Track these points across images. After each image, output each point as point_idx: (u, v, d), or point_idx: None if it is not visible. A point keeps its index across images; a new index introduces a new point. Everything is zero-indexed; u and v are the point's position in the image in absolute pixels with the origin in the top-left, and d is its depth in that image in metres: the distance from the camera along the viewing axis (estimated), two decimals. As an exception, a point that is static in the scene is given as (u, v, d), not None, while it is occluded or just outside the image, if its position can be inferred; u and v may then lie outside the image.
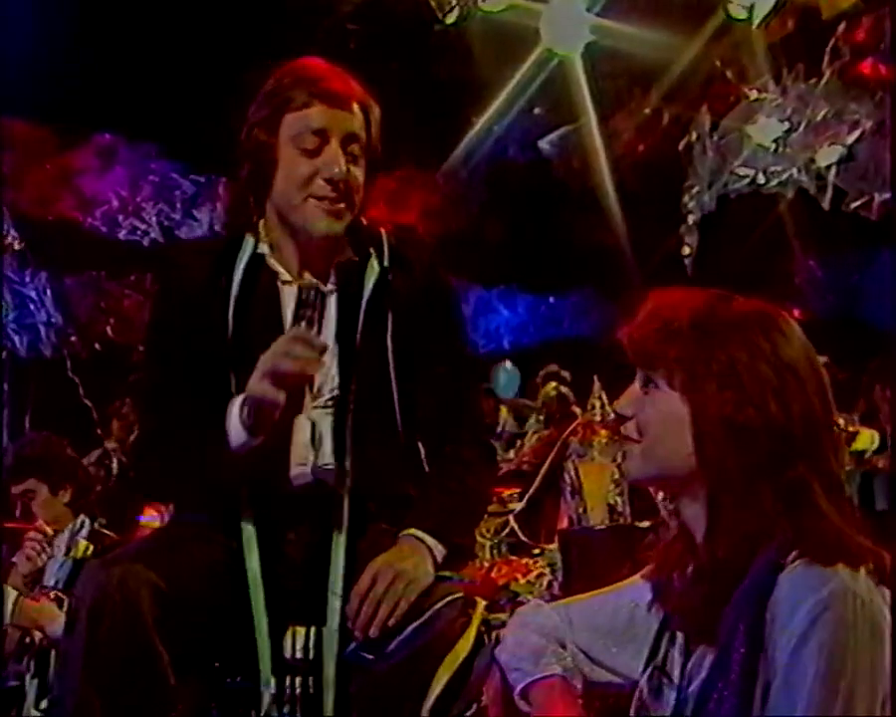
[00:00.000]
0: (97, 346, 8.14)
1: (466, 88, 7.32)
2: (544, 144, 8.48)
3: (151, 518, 3.31)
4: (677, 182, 7.69)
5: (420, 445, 1.87)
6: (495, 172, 8.56)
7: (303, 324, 1.69)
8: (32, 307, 8.09)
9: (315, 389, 1.80)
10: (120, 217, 8.07)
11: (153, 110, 6.83)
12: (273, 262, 1.88)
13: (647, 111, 7.80)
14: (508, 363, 9.12)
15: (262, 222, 1.91)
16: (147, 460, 1.87)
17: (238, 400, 1.73)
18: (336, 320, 1.84)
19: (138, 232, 8.16)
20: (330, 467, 1.81)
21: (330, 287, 1.86)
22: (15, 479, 3.29)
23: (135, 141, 7.87)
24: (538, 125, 8.22)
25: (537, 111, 8.04)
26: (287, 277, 1.87)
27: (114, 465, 4.96)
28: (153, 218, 8.14)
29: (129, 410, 5.89)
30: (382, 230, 1.93)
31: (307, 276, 1.80)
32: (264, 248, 1.89)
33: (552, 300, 10.09)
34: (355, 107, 1.85)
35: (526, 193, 8.59)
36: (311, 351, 1.68)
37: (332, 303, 1.84)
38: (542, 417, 6.83)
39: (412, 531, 1.77)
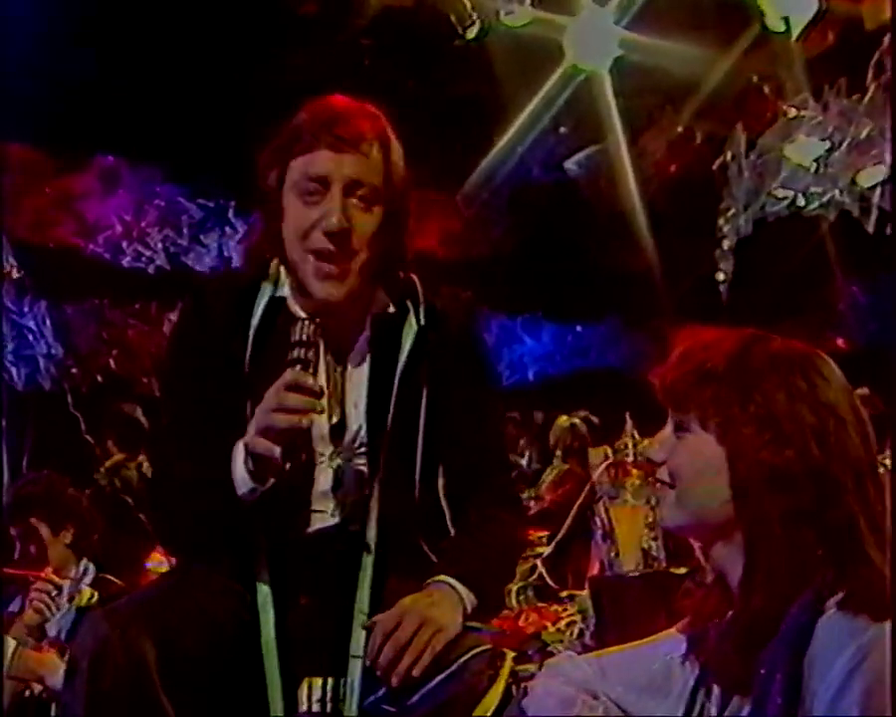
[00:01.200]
0: (99, 378, 8.17)
1: (487, 106, 7.36)
2: (569, 165, 8.51)
3: (158, 564, 3.33)
4: (711, 205, 7.71)
5: (445, 502, 1.90)
6: (518, 195, 8.59)
7: (297, 366, 1.69)
8: (30, 337, 8.10)
9: (328, 435, 1.84)
10: (124, 243, 8.10)
11: (158, 130, 6.86)
12: (294, 306, 1.90)
13: (679, 129, 7.84)
14: None
15: (282, 269, 1.93)
16: (163, 506, 1.89)
17: (241, 446, 1.75)
18: (368, 374, 1.87)
19: (143, 259, 8.19)
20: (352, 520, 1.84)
21: (363, 340, 1.90)
22: (14, 518, 3.33)
23: (139, 164, 7.90)
24: (563, 145, 8.24)
25: (562, 130, 8.07)
26: (302, 315, 1.87)
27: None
28: (159, 244, 8.18)
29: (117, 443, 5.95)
30: (417, 282, 1.95)
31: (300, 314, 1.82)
32: (285, 291, 1.92)
33: (578, 329, 10.09)
34: (369, 147, 1.84)
35: (550, 216, 8.61)
36: (306, 399, 1.69)
37: (366, 357, 1.88)
38: (559, 452, 6.87)
39: (443, 578, 1.79)
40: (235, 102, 6.62)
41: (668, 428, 1.50)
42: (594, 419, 6.54)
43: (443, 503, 1.89)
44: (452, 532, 1.89)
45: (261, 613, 1.78)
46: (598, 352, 10.13)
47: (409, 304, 1.92)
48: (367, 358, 1.88)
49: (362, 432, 1.86)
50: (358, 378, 1.88)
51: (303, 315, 1.87)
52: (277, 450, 1.67)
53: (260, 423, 1.70)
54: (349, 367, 1.90)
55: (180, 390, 1.89)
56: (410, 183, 1.93)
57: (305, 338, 1.71)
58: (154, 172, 8.13)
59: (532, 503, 5.79)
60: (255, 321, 1.87)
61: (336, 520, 1.86)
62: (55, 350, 8.36)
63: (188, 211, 8.37)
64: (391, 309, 1.92)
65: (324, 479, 1.86)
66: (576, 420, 6.72)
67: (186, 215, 8.39)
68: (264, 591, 1.79)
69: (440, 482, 1.87)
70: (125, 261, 8.42)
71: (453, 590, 1.77)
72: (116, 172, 8.10)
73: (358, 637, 1.75)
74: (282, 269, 1.92)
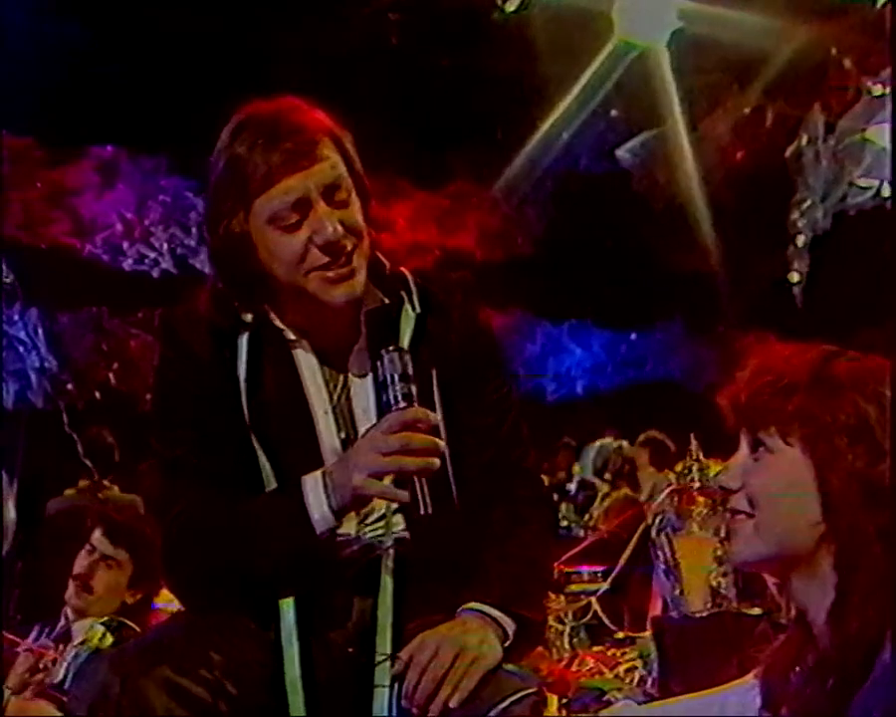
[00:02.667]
0: (97, 394, 8.27)
1: (529, 87, 7.38)
2: (622, 153, 8.52)
3: (166, 604, 3.35)
4: (783, 196, 7.69)
5: (461, 501, 1.90)
6: (564, 187, 8.60)
7: (404, 403, 1.73)
8: (21, 349, 8.20)
9: (340, 450, 1.87)
10: (125, 244, 8.19)
11: (162, 115, 6.93)
12: (278, 322, 1.93)
13: (746, 110, 7.83)
14: None
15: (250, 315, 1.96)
16: (181, 556, 1.87)
17: (314, 481, 1.79)
18: (372, 374, 1.89)
19: (146, 261, 8.28)
20: (381, 536, 1.87)
21: (360, 341, 1.92)
22: (108, 537, 3.36)
23: (141, 154, 8.00)
24: (614, 131, 8.25)
25: (613, 113, 8.09)
26: (291, 336, 1.92)
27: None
28: (164, 245, 8.26)
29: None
30: (406, 271, 2.00)
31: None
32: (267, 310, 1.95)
33: (633, 336, 10.08)
34: (324, 150, 1.86)
35: (600, 211, 8.61)
36: (431, 439, 1.73)
37: (367, 358, 1.89)
38: (607, 476, 6.88)
39: (474, 605, 1.81)
40: (249, 81, 6.66)
41: (742, 452, 1.52)
42: (664, 439, 6.54)
43: (457, 502, 1.90)
44: (474, 539, 1.90)
45: (285, 648, 1.82)
46: (656, 362, 10.11)
47: (403, 294, 1.95)
48: (368, 359, 1.90)
49: None
50: (362, 382, 1.91)
51: (285, 328, 1.91)
52: (405, 495, 1.72)
53: (376, 465, 1.74)
54: (351, 374, 1.93)
55: (178, 436, 1.90)
56: (362, 162, 1.95)
57: (403, 370, 1.75)
58: (159, 163, 8.21)
59: (582, 533, 5.80)
60: (243, 347, 1.89)
61: (363, 542, 1.91)
62: (48, 363, 8.44)
63: (197, 207, 8.44)
64: (385, 301, 1.96)
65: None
66: (624, 442, 6.74)
67: (195, 211, 8.46)
68: (288, 625, 1.84)
69: (455, 477, 1.88)
70: (127, 264, 8.51)
71: (487, 616, 1.79)
72: (116, 164, 8.18)
73: (384, 667, 1.77)
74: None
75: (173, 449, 1.90)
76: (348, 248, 1.87)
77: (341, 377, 1.93)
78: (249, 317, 1.93)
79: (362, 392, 1.91)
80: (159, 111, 6.82)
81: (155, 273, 8.34)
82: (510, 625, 1.80)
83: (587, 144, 8.38)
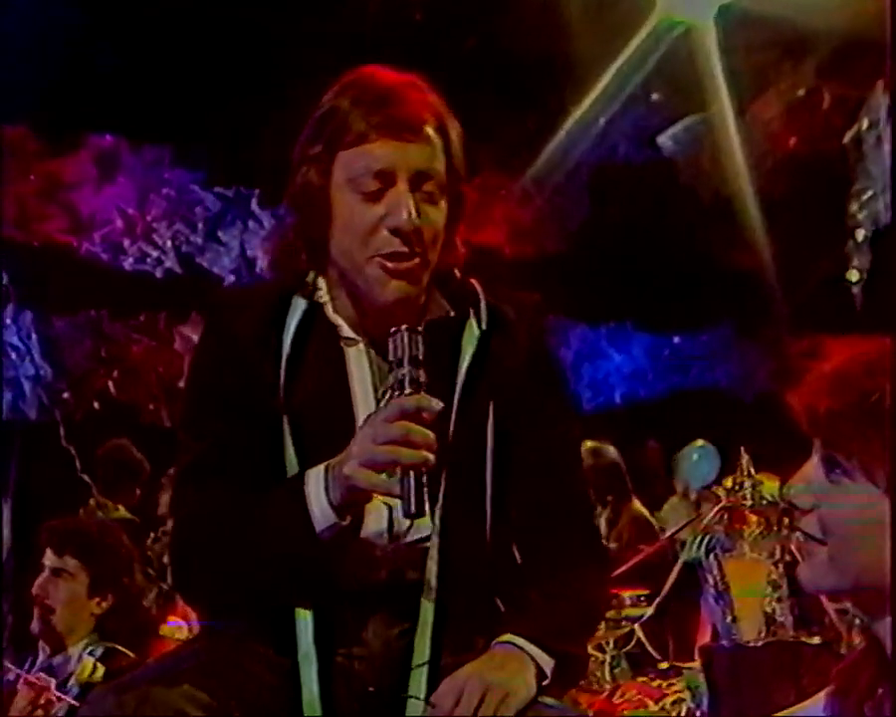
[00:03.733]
0: (95, 404, 8.27)
1: (561, 68, 7.36)
2: (664, 140, 8.49)
3: (175, 623, 3.38)
4: (841, 186, 7.65)
5: (516, 545, 1.93)
6: (601, 177, 8.57)
7: (410, 389, 1.72)
8: (14, 356, 8.19)
9: None
10: (126, 242, 8.20)
11: (166, 102, 6.94)
12: (334, 316, 1.96)
13: (800, 92, 7.79)
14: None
15: (320, 279, 1.99)
16: (189, 555, 1.91)
17: (317, 475, 1.79)
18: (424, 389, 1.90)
19: (149, 260, 8.28)
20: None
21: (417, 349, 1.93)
22: (52, 548, 3.37)
23: (144, 144, 8.02)
24: (656, 116, 8.22)
25: (654, 96, 8.07)
26: (350, 334, 1.94)
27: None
28: (168, 242, 8.27)
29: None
30: (477, 284, 2.00)
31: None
32: (323, 296, 1.97)
33: (676, 340, 10.03)
34: (429, 132, 1.89)
35: (641, 203, 8.57)
36: (428, 432, 1.72)
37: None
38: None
39: (508, 637, 1.80)
40: (260, 65, 6.65)
41: (815, 464, 1.48)
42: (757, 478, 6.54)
43: (513, 546, 1.92)
44: (524, 579, 1.91)
45: (302, 672, 1.81)
46: (702, 368, 10.06)
47: (469, 307, 1.96)
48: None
49: None
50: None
51: (342, 324, 1.94)
52: (396, 487, 1.71)
53: (369, 455, 1.73)
54: None
55: (207, 426, 1.92)
56: (468, 168, 1.98)
57: (414, 353, 1.74)
58: (162, 154, 8.23)
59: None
60: (288, 338, 1.91)
61: (393, 557, 1.88)
62: (43, 371, 8.44)
63: (203, 202, 8.50)
64: (450, 313, 1.98)
65: (375, 518, 1.88)
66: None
67: (201, 206, 8.50)
68: (307, 643, 1.83)
69: (507, 520, 1.90)
70: (128, 263, 8.53)
71: (521, 650, 1.78)
72: (116, 155, 8.21)
73: (414, 705, 1.78)
74: (320, 280, 1.98)
75: (200, 441, 1.91)
76: (417, 245, 1.88)
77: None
78: (303, 303, 1.94)
79: None
80: (162, 97, 6.83)
81: (158, 273, 8.34)
82: (547, 663, 1.79)
83: (626, 131, 8.35)
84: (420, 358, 1.74)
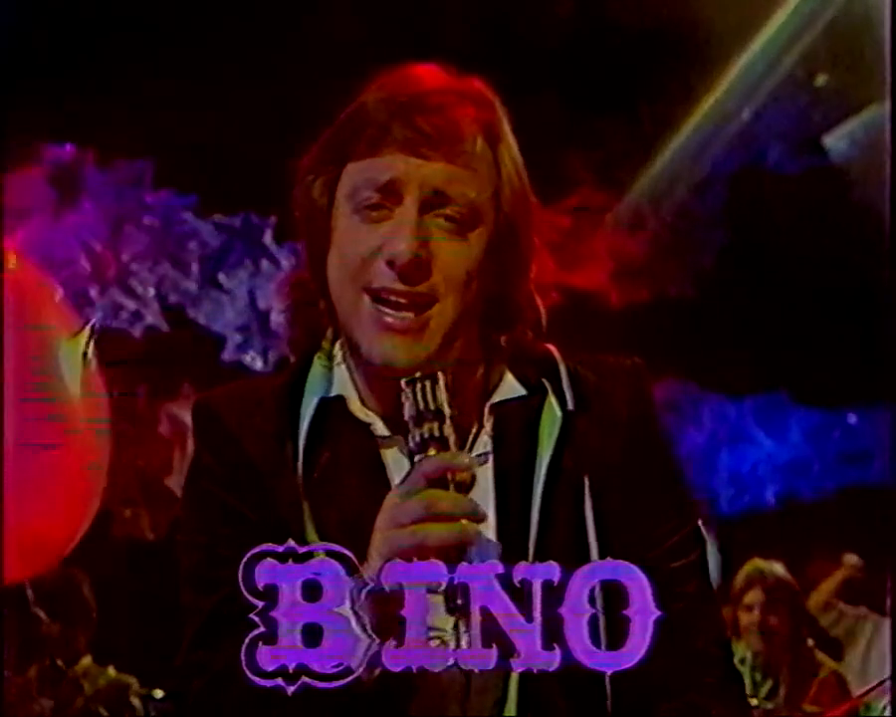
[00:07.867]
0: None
1: (687, 44, 7.41)
2: (833, 141, 8.43)
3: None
4: None
5: None
6: (743, 192, 8.58)
7: (432, 448, 1.83)
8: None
9: None
10: (93, 289, 8.34)
11: (146, 103, 7.11)
12: (362, 411, 2.07)
13: None
14: None
15: (338, 344, 2.09)
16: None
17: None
18: (494, 489, 1.99)
19: (124, 314, 8.41)
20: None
21: (481, 436, 2.02)
22: None
23: (116, 158, 8.18)
24: (821, 108, 8.24)
25: (820, 80, 8.06)
26: (384, 432, 2.04)
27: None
28: (150, 290, 8.37)
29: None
30: (555, 351, 2.09)
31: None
32: (345, 389, 2.07)
33: (852, 420, 10.01)
34: (465, 149, 1.99)
35: (801, 229, 8.58)
36: (465, 498, 1.80)
37: (488, 456, 2.02)
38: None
39: None
40: (268, 55, 6.80)
41: None
42: None
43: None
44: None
45: None
46: (887, 458, 10.03)
47: (546, 382, 2.06)
48: (490, 457, 2.02)
49: None
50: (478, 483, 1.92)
51: (375, 420, 2.06)
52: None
53: (394, 544, 1.80)
54: None
55: (221, 575, 2.01)
56: (529, 195, 2.05)
57: (430, 405, 1.83)
58: (141, 170, 8.37)
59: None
60: (301, 440, 2.07)
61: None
62: None
63: (199, 233, 8.54)
64: (521, 391, 2.08)
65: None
66: (777, 567, 6.76)
67: (195, 241, 8.57)
68: None
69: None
70: (95, 317, 8.68)
71: None
72: (79, 170, 8.35)
73: None
74: (337, 348, 2.10)
75: (211, 595, 2.06)
76: (429, 286, 1.94)
77: None
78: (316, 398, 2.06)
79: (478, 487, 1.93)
80: (143, 98, 6.96)
81: (137, 331, 8.43)
82: None
83: (779, 128, 8.36)
84: (444, 409, 1.81)
